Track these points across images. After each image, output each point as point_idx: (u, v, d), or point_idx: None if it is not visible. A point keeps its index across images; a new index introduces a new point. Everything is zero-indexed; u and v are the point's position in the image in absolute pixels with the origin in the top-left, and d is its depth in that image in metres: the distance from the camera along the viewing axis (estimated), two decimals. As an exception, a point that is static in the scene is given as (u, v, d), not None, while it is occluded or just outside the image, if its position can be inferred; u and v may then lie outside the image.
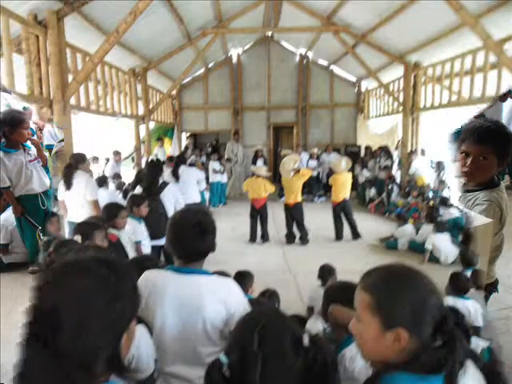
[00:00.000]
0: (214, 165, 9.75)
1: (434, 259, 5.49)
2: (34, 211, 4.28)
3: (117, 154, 8.91)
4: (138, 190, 4.61)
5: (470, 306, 3.06)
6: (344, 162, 6.69)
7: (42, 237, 4.17)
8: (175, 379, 1.53)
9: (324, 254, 5.78)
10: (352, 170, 7.60)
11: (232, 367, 0.98)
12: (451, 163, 2.15)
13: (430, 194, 7.95)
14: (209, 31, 8.74)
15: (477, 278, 3.38)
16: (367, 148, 11.03)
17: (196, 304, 1.49)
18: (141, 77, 8.69)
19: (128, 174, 8.91)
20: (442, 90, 7.63)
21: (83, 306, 0.79)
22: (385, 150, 9.75)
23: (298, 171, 6.44)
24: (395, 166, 9.65)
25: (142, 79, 8.76)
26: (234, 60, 12.53)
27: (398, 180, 9.33)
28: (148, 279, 1.58)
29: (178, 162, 6.32)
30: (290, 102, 12.66)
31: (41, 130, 5.14)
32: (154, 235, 4.08)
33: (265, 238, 6.73)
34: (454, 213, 6.34)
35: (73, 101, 5.29)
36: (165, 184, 4.64)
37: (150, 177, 4.53)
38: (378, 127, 11.31)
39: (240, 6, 8.89)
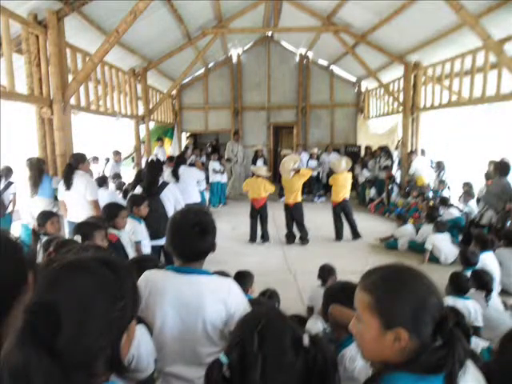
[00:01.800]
0: (214, 165, 9.75)
1: (434, 259, 5.50)
2: None
3: (117, 153, 8.91)
4: (138, 189, 4.61)
5: (470, 306, 3.07)
6: (344, 162, 6.69)
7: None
8: (175, 379, 1.53)
9: (324, 253, 5.78)
10: (352, 169, 7.60)
11: (232, 367, 0.98)
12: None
13: (430, 194, 7.95)
14: (209, 31, 8.74)
15: (477, 277, 3.39)
16: (367, 148, 11.02)
17: (196, 304, 1.49)
18: (141, 77, 8.69)
19: (128, 174, 8.92)
20: (441, 90, 7.63)
21: (83, 305, 0.79)
22: (385, 150, 9.74)
23: (298, 171, 6.44)
24: (395, 166, 9.63)
25: (142, 79, 8.76)
26: (234, 60, 12.53)
27: (398, 180, 9.33)
28: (148, 279, 1.58)
29: (178, 162, 6.32)
30: (290, 102, 12.65)
31: None
32: (154, 235, 4.08)
33: (265, 238, 6.73)
34: (453, 213, 6.35)
35: (73, 101, 5.28)
36: (165, 184, 4.64)
37: (150, 177, 4.53)
38: (378, 127, 11.30)
39: (240, 6, 8.89)
